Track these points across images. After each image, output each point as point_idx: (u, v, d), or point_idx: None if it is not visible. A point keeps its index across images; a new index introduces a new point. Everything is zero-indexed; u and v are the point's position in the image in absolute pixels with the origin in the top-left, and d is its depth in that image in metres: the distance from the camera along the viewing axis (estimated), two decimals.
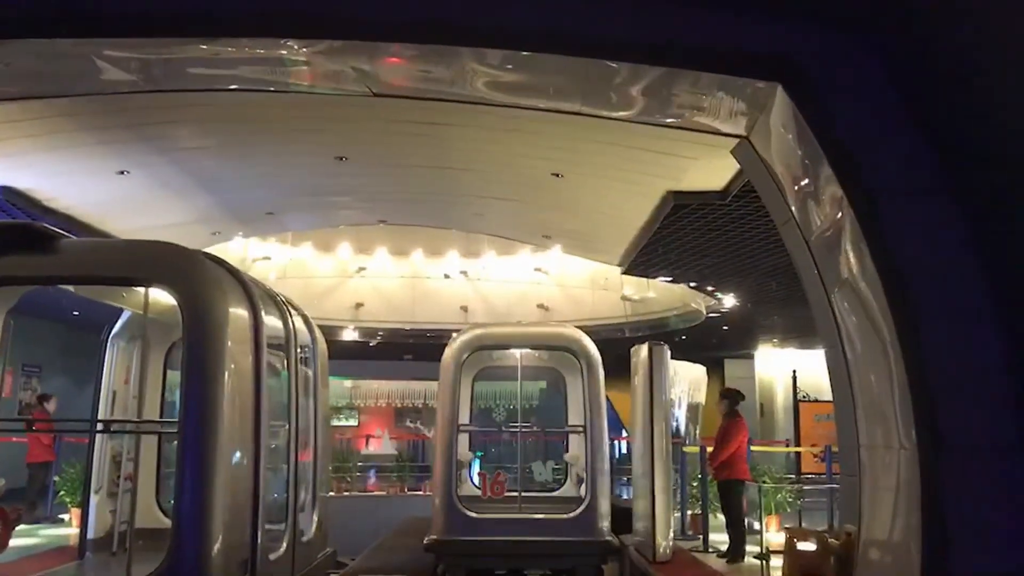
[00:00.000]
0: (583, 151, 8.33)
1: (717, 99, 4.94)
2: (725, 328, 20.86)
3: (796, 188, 4.86)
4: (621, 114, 5.65)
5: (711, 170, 8.06)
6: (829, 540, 4.56)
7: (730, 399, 9.13)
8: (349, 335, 22.06)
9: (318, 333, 8.82)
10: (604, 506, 9.68)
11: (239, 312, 6.06)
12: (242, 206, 11.78)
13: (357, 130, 8.76)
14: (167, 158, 9.10)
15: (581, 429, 10.24)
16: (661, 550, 8.34)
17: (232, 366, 5.63)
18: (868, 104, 4.20)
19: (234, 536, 5.52)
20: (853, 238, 4.20)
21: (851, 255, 4.32)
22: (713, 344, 24.38)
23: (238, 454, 5.69)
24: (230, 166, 9.79)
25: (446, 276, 21.86)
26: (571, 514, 9.83)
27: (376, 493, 18.19)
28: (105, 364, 8.20)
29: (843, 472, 4.97)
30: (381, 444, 20.70)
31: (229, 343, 5.65)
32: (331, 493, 17.12)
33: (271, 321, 7.16)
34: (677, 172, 8.25)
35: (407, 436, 23.79)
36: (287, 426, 7.23)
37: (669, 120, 5.66)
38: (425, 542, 9.98)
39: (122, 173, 9.16)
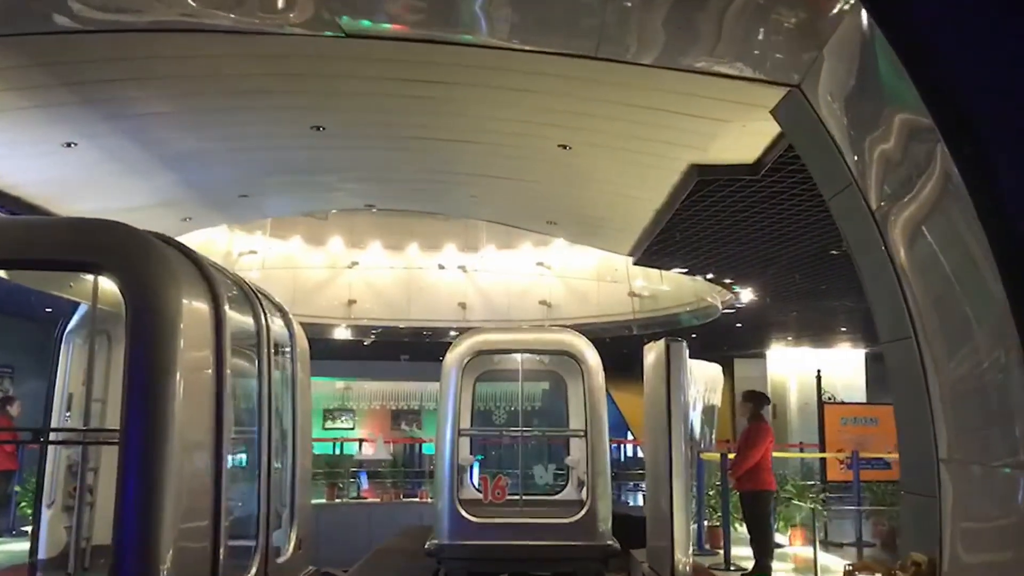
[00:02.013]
0: (596, 116, 7.47)
1: (770, 33, 4.14)
2: (739, 325, 20.18)
3: (863, 144, 4.08)
4: (645, 58, 4.85)
5: (743, 139, 7.24)
6: (897, 573, 3.81)
7: (755, 402, 8.40)
8: (341, 334, 21.42)
9: (298, 330, 8.08)
10: (605, 510, 9.96)
11: (196, 304, 5.33)
12: (211, 187, 10.90)
13: (334, 93, 7.89)
14: (117, 127, 8.19)
15: (582, 433, 10.57)
16: (680, 568, 7.59)
17: (185, 366, 4.90)
18: (982, 21, 3.37)
19: (187, 561, 4.78)
20: (947, 203, 3.42)
21: (942, 226, 3.55)
22: (724, 343, 23.73)
23: (193, 466, 4.98)
24: (190, 137, 8.86)
25: (440, 267, 21.17)
26: (572, 518, 10.06)
27: (370, 500, 17.51)
28: (60, 364, 7.51)
29: (907, 490, 4.22)
30: (375, 448, 19.98)
31: (182, 340, 4.92)
32: (322, 500, 16.69)
33: (239, 315, 6.45)
34: (703, 141, 7.42)
35: (403, 440, 23.22)
36: (259, 434, 6.47)
37: (701, 64, 4.88)
38: (426, 547, 10.14)
39: (69, 145, 8.32)
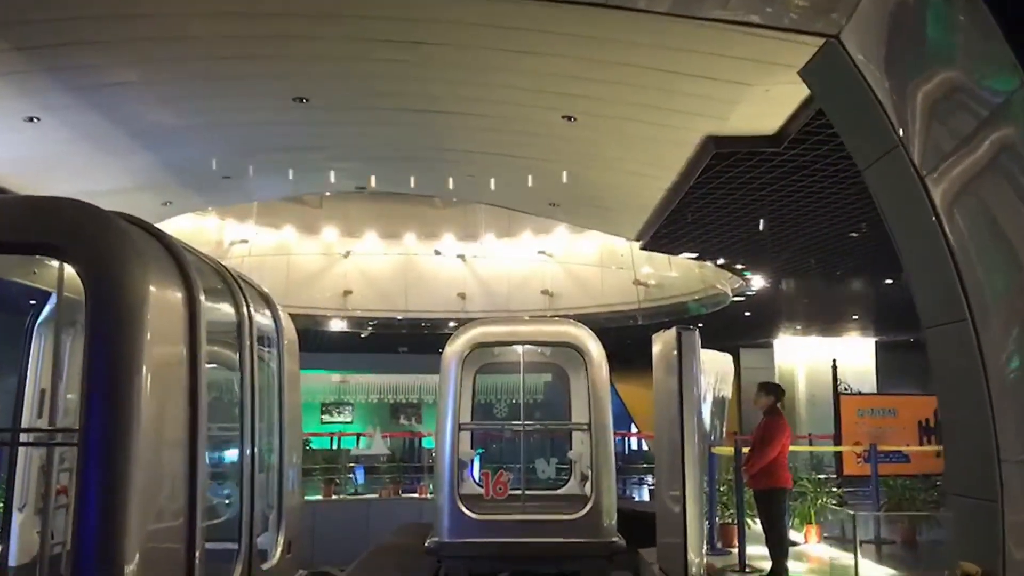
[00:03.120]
0: (603, 82, 6.99)
1: None
2: (747, 314, 19.81)
3: (914, 100, 3.64)
4: (660, 5, 4.38)
5: (764, 106, 6.78)
6: None
7: (775, 394, 7.96)
8: (337, 325, 21.04)
9: (286, 320, 7.67)
10: (610, 506, 9.90)
11: (166, 292, 4.92)
12: (191, 167, 10.41)
13: (318, 59, 7.38)
14: (84, 100, 7.68)
15: (585, 427, 10.51)
16: (693, 570, 7.18)
17: (152, 360, 4.49)
18: None
19: (157, 567, 4.40)
20: (1021, 165, 2.98)
21: (1012, 191, 3.12)
22: (731, 332, 23.35)
23: (162, 466, 4.61)
24: (164, 111, 8.36)
25: (437, 253, 20.76)
26: (576, 515, 9.99)
27: (368, 496, 17.15)
28: (31, 358, 7.09)
29: (957, 492, 3.80)
30: (373, 442, 19.60)
31: (148, 332, 4.50)
32: (319, 497, 16.33)
33: (217, 305, 6.05)
34: (721, 109, 6.94)
35: (401, 434, 22.88)
36: (241, 431, 6.06)
37: (724, 13, 4.41)
38: (427, 544, 10.04)
39: (31, 120, 7.83)
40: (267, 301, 7.37)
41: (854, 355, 24.84)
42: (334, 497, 16.73)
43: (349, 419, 27.12)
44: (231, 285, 6.27)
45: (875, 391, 21.62)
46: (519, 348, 11.48)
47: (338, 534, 14.98)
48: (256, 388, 6.23)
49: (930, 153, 3.63)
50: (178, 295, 4.97)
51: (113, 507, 4.12)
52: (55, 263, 5.04)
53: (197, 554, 4.77)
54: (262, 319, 6.98)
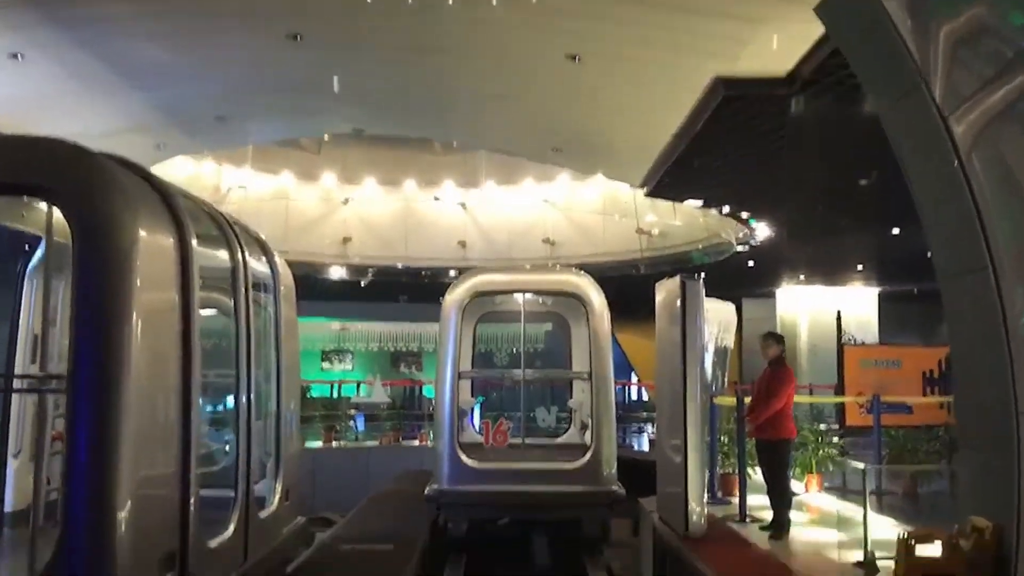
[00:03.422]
0: (610, 19, 6.73)
1: None
2: (750, 264, 19.68)
3: (938, 36, 3.46)
4: None
5: (777, 45, 6.53)
6: (959, 541, 3.33)
7: (783, 344, 7.87)
8: (337, 272, 20.95)
9: (282, 266, 7.55)
10: (610, 455, 9.87)
11: (157, 235, 4.79)
12: (183, 108, 10.15)
13: None
14: (72, 35, 7.40)
15: (586, 376, 10.46)
16: (694, 520, 7.15)
17: (142, 305, 4.37)
18: None
19: (150, 522, 4.35)
20: None
21: None
22: (733, 282, 23.25)
23: (154, 412, 4.53)
24: (154, 48, 8.08)
25: (436, 199, 20.55)
26: (576, 463, 9.96)
27: (368, 443, 17.20)
28: (23, 303, 6.98)
29: (969, 446, 3.71)
30: (373, 390, 19.63)
31: (138, 276, 4.37)
32: (319, 444, 16.39)
33: (210, 250, 5.93)
34: (732, 48, 6.71)
35: (402, 382, 22.93)
36: (237, 378, 5.98)
37: None
38: (426, 492, 9.98)
39: (15, 57, 7.58)
40: (263, 247, 7.24)
41: (857, 305, 24.74)
42: (334, 444, 16.76)
43: (350, 367, 27.19)
44: (225, 230, 6.13)
45: (877, 342, 21.55)
46: (519, 297, 11.38)
47: (338, 481, 15.04)
48: (252, 335, 6.14)
49: (953, 93, 3.47)
50: (169, 239, 4.84)
51: (103, 453, 4.05)
52: (44, 206, 4.91)
53: (192, 500, 4.73)
54: (258, 265, 6.86)
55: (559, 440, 12.86)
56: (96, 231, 4.27)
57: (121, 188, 4.58)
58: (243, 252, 6.23)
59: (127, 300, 4.25)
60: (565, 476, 9.97)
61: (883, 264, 21.93)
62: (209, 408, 6.18)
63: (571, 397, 13.17)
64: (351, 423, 17.87)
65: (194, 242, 5.03)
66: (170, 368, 4.69)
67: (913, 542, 3.30)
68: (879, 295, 26.61)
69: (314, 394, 20.60)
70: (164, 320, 4.69)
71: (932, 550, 3.33)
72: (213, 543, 5.17)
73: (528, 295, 11.49)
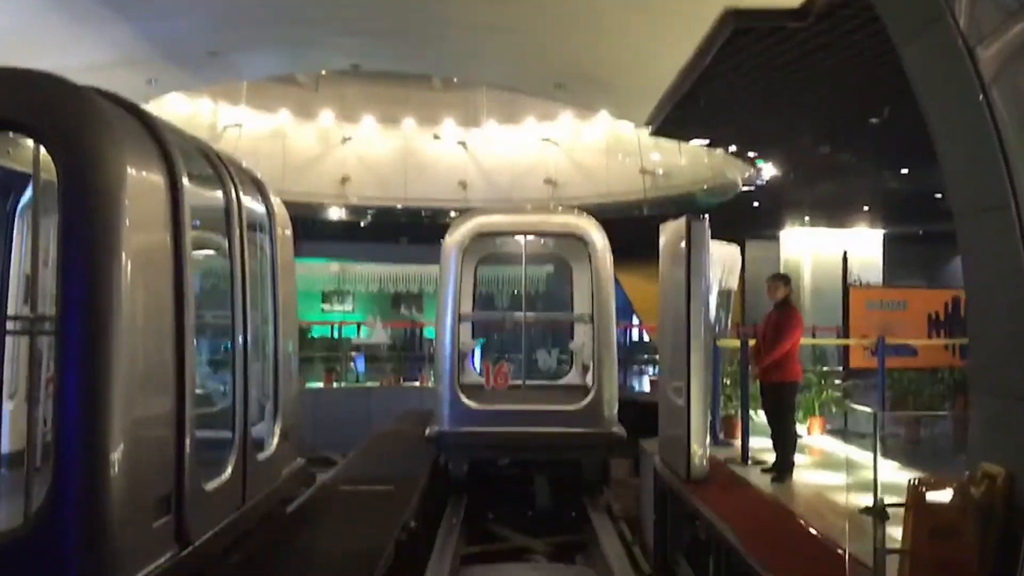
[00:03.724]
0: None
1: None
2: (755, 205, 19.48)
3: None
4: None
5: None
6: (970, 488, 3.26)
7: (788, 285, 7.76)
8: (336, 213, 20.79)
9: (278, 206, 7.41)
10: (611, 397, 9.99)
11: (146, 173, 4.66)
12: (174, 41, 9.84)
13: None
14: None
15: (588, 319, 10.52)
16: (696, 463, 7.12)
17: (131, 246, 4.26)
18: None
19: (144, 465, 4.30)
20: None
21: None
22: (737, 224, 23.10)
23: (146, 354, 4.45)
24: None
25: (436, 137, 20.25)
26: (577, 405, 10.04)
27: (369, 384, 17.25)
28: (14, 244, 6.86)
29: (982, 391, 3.63)
30: (374, 332, 19.64)
31: (126, 216, 4.24)
32: (320, 385, 16.44)
33: (202, 189, 5.80)
34: None
35: (402, 324, 22.93)
36: (232, 319, 5.89)
37: None
38: (427, 433, 10.04)
39: None
40: (258, 186, 7.10)
41: (862, 247, 24.60)
42: (335, 385, 16.79)
43: (350, 308, 27.20)
44: (219, 169, 5.98)
45: (881, 283, 21.46)
46: (521, 239, 11.31)
47: (339, 421, 15.10)
48: (247, 276, 6.04)
49: (981, 22, 3.29)
50: (159, 177, 4.71)
51: (93, 396, 3.99)
52: (32, 142, 4.76)
53: (187, 443, 4.68)
54: (253, 204, 6.73)
55: (560, 382, 12.86)
56: (81, 169, 4.14)
57: (107, 124, 4.43)
58: (237, 191, 6.09)
59: (114, 240, 4.13)
60: (566, 418, 9.99)
61: (888, 205, 21.74)
62: (205, 350, 6.11)
63: (572, 339, 13.14)
64: (352, 364, 17.90)
65: (185, 180, 4.90)
66: (162, 309, 4.60)
67: (924, 489, 3.23)
68: (884, 237, 26.48)
69: (315, 335, 20.66)
70: (154, 261, 4.59)
71: (942, 497, 3.28)
72: (210, 486, 5.14)
73: (529, 237, 11.44)
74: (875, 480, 3.25)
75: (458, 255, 10.39)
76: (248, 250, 6.17)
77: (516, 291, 14.79)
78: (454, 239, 10.54)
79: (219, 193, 5.89)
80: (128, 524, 4.11)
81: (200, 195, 5.71)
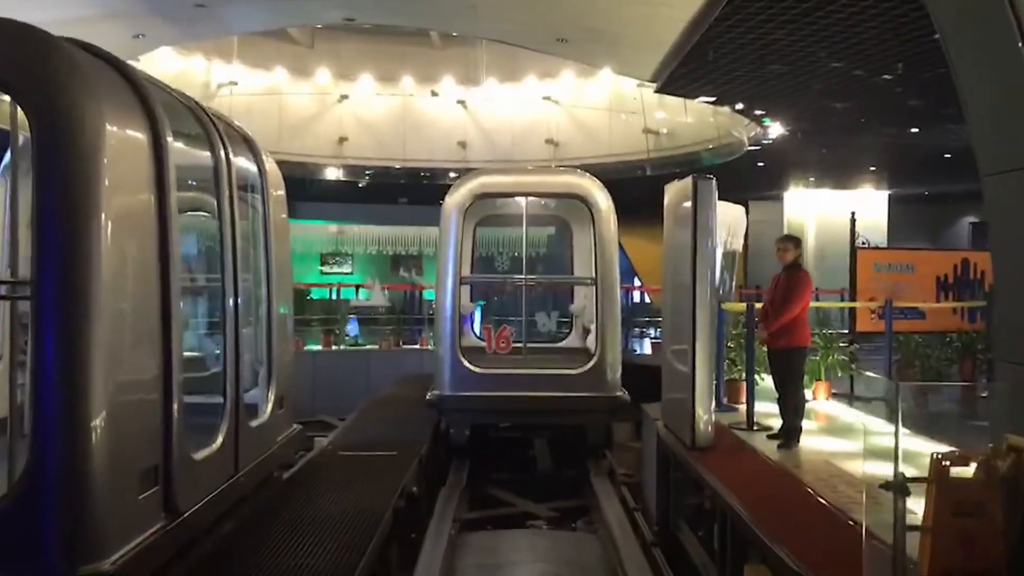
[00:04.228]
0: None
1: None
2: (760, 165, 19.19)
3: None
4: None
5: None
6: (996, 462, 3.10)
7: (799, 247, 7.55)
8: (333, 174, 20.50)
9: (271, 166, 7.21)
10: (614, 360, 9.96)
11: (127, 130, 4.45)
12: None
13: None
14: None
15: (591, 281, 10.46)
16: (701, 428, 6.97)
17: (111, 206, 4.08)
18: None
19: (128, 435, 4.15)
20: None
21: None
22: (741, 184, 22.85)
23: (130, 320, 4.28)
24: None
25: (434, 93, 19.85)
26: (580, 369, 10.00)
27: (368, 347, 17.11)
28: None
29: (1006, 359, 3.46)
30: (373, 294, 19.47)
31: (106, 175, 4.05)
32: (318, 348, 16.30)
33: (189, 147, 5.59)
34: None
35: (402, 286, 22.76)
36: (223, 283, 5.71)
37: None
38: (428, 397, 9.98)
39: None
40: (250, 145, 6.88)
41: (867, 208, 24.39)
42: (334, 348, 16.64)
43: (349, 271, 27.04)
44: (207, 126, 5.77)
45: (886, 245, 21.27)
46: (521, 200, 11.11)
47: (338, 384, 14.98)
48: (237, 238, 5.85)
49: None
50: (141, 135, 4.50)
51: (71, 362, 3.83)
52: (6, 98, 4.53)
53: (175, 411, 4.53)
54: (243, 163, 6.52)
55: (560, 345, 12.86)
56: (56, 125, 3.94)
57: (85, 77, 4.20)
58: (226, 149, 5.87)
59: (92, 201, 3.94)
60: (570, 381, 9.94)
61: (895, 166, 21.47)
62: (194, 314, 5.94)
63: (572, 302, 13.02)
64: (347, 327, 17.74)
65: (170, 138, 4.69)
66: (146, 273, 4.42)
67: (947, 464, 3.07)
68: (890, 198, 26.21)
69: (314, 296, 20.51)
70: (137, 222, 4.40)
71: (965, 471, 3.13)
72: (200, 455, 5.00)
73: (530, 199, 11.20)
74: (896, 456, 3.08)
75: (459, 216, 10.22)
76: (238, 211, 5.97)
77: (515, 254, 14.59)
78: (455, 200, 10.36)
79: (207, 151, 5.68)
80: (112, 495, 3.97)
81: (186, 153, 5.50)
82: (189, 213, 5.47)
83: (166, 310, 4.52)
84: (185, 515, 4.64)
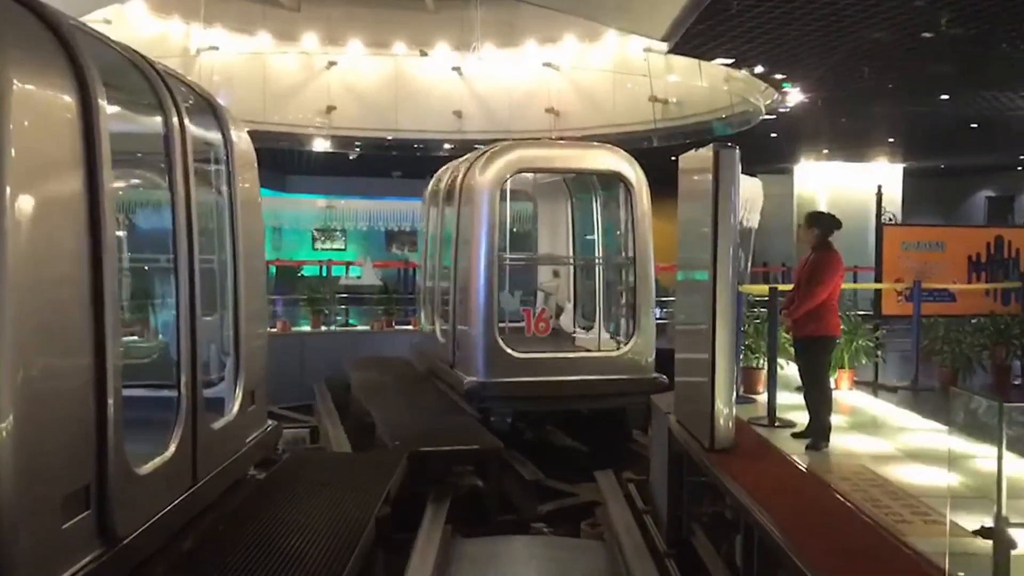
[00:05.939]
0: None
1: None
2: (773, 135, 18.47)
3: None
4: None
5: None
6: None
7: (822, 228, 6.84)
8: (321, 145, 19.76)
9: (238, 133, 6.53)
10: (650, 343, 10.16)
11: (44, 87, 3.81)
12: None
13: None
14: None
15: (629, 260, 10.49)
16: (721, 425, 6.31)
17: (18, 177, 3.43)
18: None
19: (48, 452, 3.57)
20: None
21: None
22: (749, 156, 22.16)
23: (48, 315, 3.66)
24: None
25: (423, 53, 19.00)
26: (620, 351, 10.20)
27: (359, 328, 16.50)
28: None
29: None
30: (364, 271, 18.82)
31: (11, 141, 3.40)
32: (306, 328, 15.68)
33: (131, 109, 4.92)
34: None
35: (395, 264, 22.09)
36: (175, 264, 5.06)
37: None
38: (466, 387, 9.65)
39: None
40: (214, 109, 6.20)
41: (881, 182, 23.75)
42: (323, 329, 16.03)
43: (342, 247, 26.45)
44: (157, 87, 5.08)
45: (900, 221, 20.62)
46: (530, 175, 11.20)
47: (328, 368, 14.43)
48: (193, 215, 5.17)
49: None
50: (65, 95, 3.83)
51: None
52: None
53: (110, 420, 3.89)
54: (204, 131, 5.84)
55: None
56: None
57: None
58: (180, 114, 5.19)
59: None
60: (610, 364, 10.01)
61: (914, 137, 20.74)
62: (142, 304, 5.31)
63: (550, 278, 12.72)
64: (343, 307, 17.13)
65: (102, 99, 4.02)
66: (71, 257, 3.78)
67: None
68: (905, 171, 25.55)
69: (306, 274, 19.91)
70: (58, 196, 3.74)
71: None
72: (145, 468, 4.36)
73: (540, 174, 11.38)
74: (999, 495, 2.43)
75: (494, 193, 9.97)
76: (196, 185, 5.30)
77: (515, 229, 13.92)
78: (489, 176, 10.04)
79: (157, 117, 5.00)
80: (27, 526, 3.35)
81: (128, 118, 4.84)
82: (131, 188, 4.82)
83: (98, 300, 3.88)
84: (126, 541, 4.02)
